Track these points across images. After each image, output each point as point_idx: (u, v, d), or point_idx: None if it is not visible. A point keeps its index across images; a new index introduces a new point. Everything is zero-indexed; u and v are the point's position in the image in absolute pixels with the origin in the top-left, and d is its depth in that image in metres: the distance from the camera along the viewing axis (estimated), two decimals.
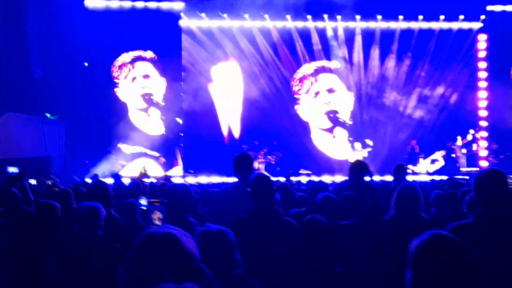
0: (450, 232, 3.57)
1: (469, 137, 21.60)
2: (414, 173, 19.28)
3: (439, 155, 21.45)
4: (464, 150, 21.51)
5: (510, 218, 3.77)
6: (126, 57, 21.13)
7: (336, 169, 20.42)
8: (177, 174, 19.90)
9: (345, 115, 22.35)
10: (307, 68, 22.34)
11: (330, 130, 22.44)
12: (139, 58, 21.19)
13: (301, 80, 22.35)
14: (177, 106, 21.32)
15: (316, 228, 3.76)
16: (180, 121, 21.31)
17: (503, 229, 3.73)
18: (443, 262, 2.37)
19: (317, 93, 22.36)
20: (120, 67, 21.16)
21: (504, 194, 3.78)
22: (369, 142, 21.22)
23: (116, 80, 21.13)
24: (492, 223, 3.74)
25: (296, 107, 22.31)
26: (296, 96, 22.37)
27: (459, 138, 21.48)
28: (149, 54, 21.17)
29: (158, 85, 21.35)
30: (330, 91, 22.41)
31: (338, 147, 22.31)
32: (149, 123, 21.20)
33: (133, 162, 20.35)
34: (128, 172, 19.30)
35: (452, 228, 3.79)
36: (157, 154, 20.86)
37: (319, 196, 5.62)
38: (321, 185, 6.97)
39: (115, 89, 21.12)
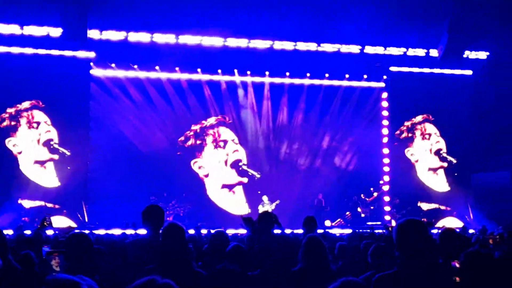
0: (376, 282, 3.69)
1: (375, 195, 22.39)
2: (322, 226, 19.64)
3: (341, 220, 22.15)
4: (371, 207, 22.30)
5: (431, 266, 3.88)
6: (25, 104, 20.29)
7: (238, 224, 20.29)
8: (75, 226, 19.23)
9: (252, 169, 22.56)
10: (209, 120, 22.51)
11: (233, 185, 22.53)
12: (38, 108, 20.38)
13: (204, 130, 22.42)
14: (83, 157, 20.76)
15: (229, 276, 3.77)
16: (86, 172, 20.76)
17: (426, 278, 3.81)
18: None
19: (225, 143, 22.48)
20: (19, 113, 20.18)
21: (425, 242, 3.89)
22: (264, 199, 21.35)
23: (10, 128, 20.17)
24: (416, 271, 3.82)
25: (194, 160, 22.27)
26: (199, 145, 22.40)
27: (363, 197, 22.26)
28: (42, 104, 20.40)
29: (53, 134, 20.62)
30: (231, 144, 22.62)
31: (237, 203, 22.43)
32: (45, 175, 20.30)
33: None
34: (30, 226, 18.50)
35: (377, 278, 3.85)
36: (57, 207, 20.02)
37: (230, 246, 5.63)
38: (222, 236, 6.99)
39: (8, 139, 20.05)
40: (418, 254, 3.85)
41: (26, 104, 20.29)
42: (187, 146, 22.21)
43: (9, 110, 20.11)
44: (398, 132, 23.41)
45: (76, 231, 14.54)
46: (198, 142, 22.30)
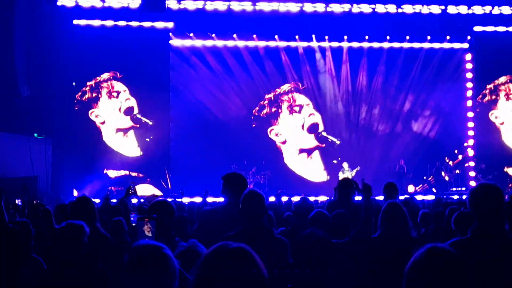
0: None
1: (460, 157, 21.75)
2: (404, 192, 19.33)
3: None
4: (455, 171, 21.69)
5: (506, 233, 3.74)
6: (104, 75, 20.89)
7: (317, 191, 20.25)
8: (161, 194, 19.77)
9: (331, 135, 22.38)
10: (283, 87, 22.39)
11: (311, 150, 22.41)
12: (116, 79, 20.98)
13: (279, 97, 22.36)
14: (164, 126, 21.24)
15: (315, 242, 3.73)
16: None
17: (500, 244, 3.69)
18: (441, 274, 2.35)
19: (301, 108, 22.36)
20: (99, 84, 20.82)
21: (500, 209, 3.74)
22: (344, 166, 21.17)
23: (92, 100, 20.81)
24: (489, 239, 3.69)
25: (271, 128, 22.28)
26: (275, 112, 22.38)
27: (448, 160, 21.65)
28: (118, 74, 20.92)
29: (133, 102, 21.12)
30: (307, 108, 22.45)
31: (316, 169, 22.31)
32: (127, 144, 20.92)
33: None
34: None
35: (449, 244, 3.75)
36: (141, 175, 20.62)
37: (312, 213, 5.60)
38: (306, 204, 6.96)
39: (91, 111, 20.76)
40: (492, 221, 3.69)
41: (105, 76, 20.87)
42: (263, 115, 22.25)
43: (89, 83, 20.74)
44: (480, 96, 22.50)
45: (160, 199, 14.92)
46: (273, 109, 22.30)
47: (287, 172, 22.18)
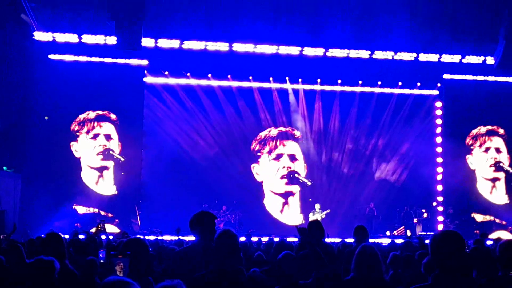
0: None
1: (425, 215, 22.00)
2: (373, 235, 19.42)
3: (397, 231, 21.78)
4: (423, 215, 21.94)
5: (466, 280, 3.79)
6: (91, 114, 20.93)
7: (288, 233, 20.29)
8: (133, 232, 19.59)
9: (304, 177, 22.50)
10: (272, 131, 22.58)
11: (285, 194, 22.52)
12: (104, 118, 21.01)
13: (265, 140, 22.54)
14: (137, 163, 21.16)
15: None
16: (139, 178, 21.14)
17: None
18: None
19: (279, 156, 22.53)
20: (84, 122, 20.89)
21: (461, 256, 3.81)
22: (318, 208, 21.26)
23: (76, 134, 20.88)
24: (450, 285, 3.75)
25: (253, 165, 22.42)
26: (257, 154, 22.51)
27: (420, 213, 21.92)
28: (113, 116, 21.01)
29: (116, 147, 21.10)
30: (292, 158, 22.61)
31: (290, 213, 22.41)
32: (102, 182, 20.84)
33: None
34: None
35: None
36: (110, 215, 20.43)
37: (280, 254, 5.62)
38: (284, 245, 6.99)
39: (72, 143, 20.75)
40: (453, 268, 3.76)
41: (92, 114, 20.92)
42: (252, 150, 22.47)
43: (79, 117, 20.76)
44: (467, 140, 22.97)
45: (134, 236, 14.78)
46: (257, 148, 22.45)
47: (260, 212, 22.15)
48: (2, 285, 5.25)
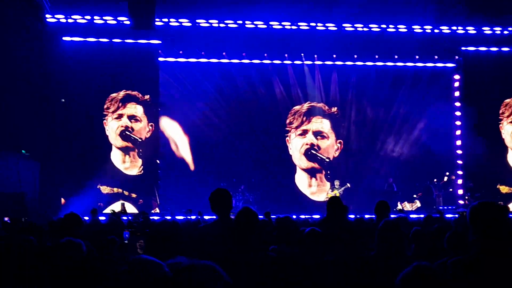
0: (453, 266, 3.56)
1: (445, 179, 21.82)
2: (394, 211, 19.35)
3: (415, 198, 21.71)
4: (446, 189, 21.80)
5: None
6: (120, 94, 20.98)
7: (314, 209, 20.32)
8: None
9: (324, 154, 22.42)
10: (304, 105, 22.54)
11: (308, 169, 22.47)
12: (133, 99, 21.07)
13: (294, 115, 22.48)
14: (154, 145, 21.21)
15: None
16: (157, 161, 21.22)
17: (504, 264, 3.62)
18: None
19: (305, 132, 22.44)
20: (111, 102, 20.96)
21: (503, 225, 3.70)
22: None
23: (105, 113, 20.96)
24: (496, 256, 3.63)
25: (287, 139, 22.44)
26: (287, 128, 22.49)
27: (435, 180, 21.74)
28: (145, 96, 21.06)
29: (143, 128, 21.16)
30: (318, 134, 22.52)
31: (317, 188, 22.38)
32: (127, 162, 20.98)
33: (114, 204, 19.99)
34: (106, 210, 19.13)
35: (454, 262, 3.69)
36: (134, 196, 20.58)
37: (306, 230, 5.58)
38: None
39: (104, 121, 20.91)
40: (496, 238, 3.64)
41: (120, 94, 21.02)
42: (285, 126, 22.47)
43: (112, 95, 20.92)
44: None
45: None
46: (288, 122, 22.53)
47: (281, 189, 22.14)
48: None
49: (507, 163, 22.69)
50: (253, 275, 4.49)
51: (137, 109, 21.08)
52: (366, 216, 13.30)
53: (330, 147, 22.54)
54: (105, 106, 20.93)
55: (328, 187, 22.17)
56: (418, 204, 21.80)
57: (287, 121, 22.49)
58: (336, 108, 22.62)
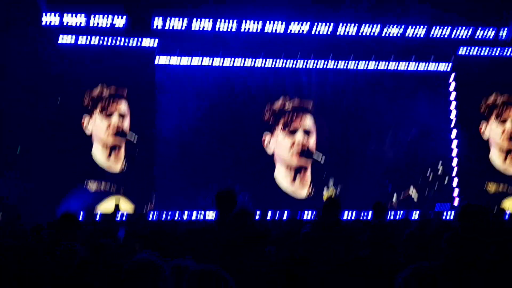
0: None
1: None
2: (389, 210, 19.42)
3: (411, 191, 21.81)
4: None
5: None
6: (104, 90, 20.88)
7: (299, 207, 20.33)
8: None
9: (317, 154, 22.37)
10: (287, 103, 22.43)
11: (298, 168, 22.41)
12: (119, 96, 20.95)
13: (279, 113, 22.36)
14: (149, 143, 21.17)
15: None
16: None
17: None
18: None
19: (294, 132, 22.30)
20: (97, 99, 20.82)
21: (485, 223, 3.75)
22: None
23: (88, 110, 20.71)
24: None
25: (266, 137, 22.20)
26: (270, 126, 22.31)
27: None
28: (125, 91, 20.95)
29: (127, 123, 21.06)
30: (307, 132, 22.45)
31: (301, 186, 22.31)
32: (115, 160, 20.80)
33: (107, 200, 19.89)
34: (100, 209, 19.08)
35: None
36: (122, 193, 20.43)
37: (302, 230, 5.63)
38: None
39: (83, 121, 20.62)
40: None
41: (105, 91, 20.76)
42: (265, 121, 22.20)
43: (91, 92, 20.61)
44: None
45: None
46: (271, 120, 22.23)
47: (273, 187, 22.05)
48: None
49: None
50: (249, 280, 4.51)
51: (125, 106, 20.97)
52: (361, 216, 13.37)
53: (318, 145, 22.44)
54: (92, 103, 20.64)
55: (309, 182, 22.12)
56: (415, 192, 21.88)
57: (272, 118, 22.17)
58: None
